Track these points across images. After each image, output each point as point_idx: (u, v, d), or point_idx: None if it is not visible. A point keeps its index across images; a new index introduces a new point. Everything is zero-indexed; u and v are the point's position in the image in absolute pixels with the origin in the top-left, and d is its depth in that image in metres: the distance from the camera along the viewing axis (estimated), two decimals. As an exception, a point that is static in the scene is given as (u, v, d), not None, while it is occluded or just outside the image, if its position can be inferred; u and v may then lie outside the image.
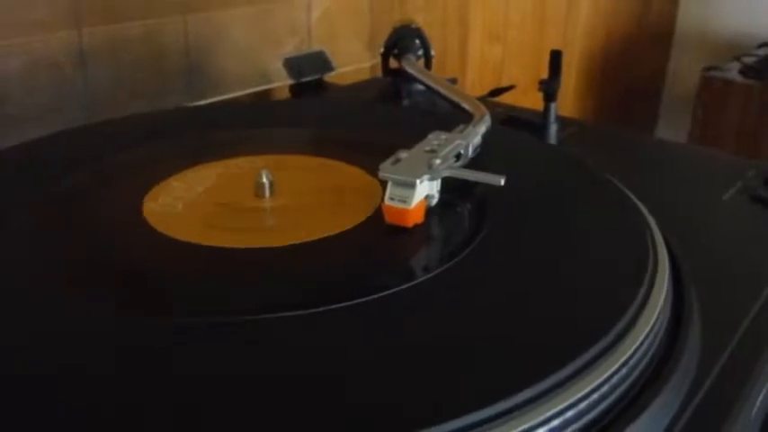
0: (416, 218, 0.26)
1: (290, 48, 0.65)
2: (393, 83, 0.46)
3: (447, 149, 0.27)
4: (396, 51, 0.46)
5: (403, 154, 0.26)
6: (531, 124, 0.41)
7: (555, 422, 0.18)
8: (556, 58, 0.40)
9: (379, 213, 0.27)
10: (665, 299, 0.24)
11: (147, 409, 0.17)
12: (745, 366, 0.24)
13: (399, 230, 0.26)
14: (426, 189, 0.26)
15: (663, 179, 0.38)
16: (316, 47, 0.68)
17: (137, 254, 0.25)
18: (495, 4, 0.97)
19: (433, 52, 0.46)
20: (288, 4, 0.68)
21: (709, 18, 1.29)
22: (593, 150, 0.42)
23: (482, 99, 0.49)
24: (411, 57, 0.44)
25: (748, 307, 0.26)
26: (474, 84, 1.00)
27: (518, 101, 1.17)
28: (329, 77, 0.58)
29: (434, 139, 0.28)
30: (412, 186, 0.25)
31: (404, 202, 0.25)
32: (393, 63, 0.47)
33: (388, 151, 0.27)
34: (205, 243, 0.25)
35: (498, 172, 0.29)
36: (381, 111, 0.31)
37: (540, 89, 0.41)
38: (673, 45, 1.36)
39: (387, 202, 0.25)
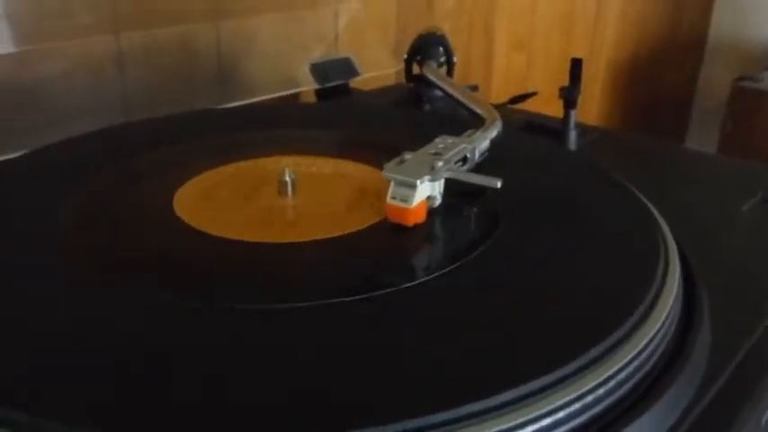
0: (417, 217, 0.26)
1: (318, 54, 0.67)
2: (415, 88, 0.47)
3: (451, 153, 0.28)
4: (419, 58, 0.47)
5: (408, 155, 0.27)
6: (550, 130, 0.42)
7: (560, 414, 0.19)
8: (577, 66, 0.41)
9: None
10: (674, 298, 0.24)
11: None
12: (757, 371, 0.24)
13: (416, 229, 0.27)
14: (428, 190, 0.27)
15: (681, 186, 0.38)
16: (342, 53, 0.69)
17: (169, 245, 0.27)
18: (521, 12, 0.98)
19: (455, 59, 0.47)
20: (316, 12, 0.70)
21: (743, 27, 1.27)
22: (612, 156, 0.42)
23: (502, 106, 0.50)
24: (432, 63, 0.45)
25: (762, 312, 0.27)
26: (499, 92, 1.00)
27: (542, 110, 1.17)
28: (354, 83, 0.60)
29: (441, 142, 0.29)
30: (413, 187, 0.26)
31: (405, 201, 0.26)
32: (417, 69, 0.48)
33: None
34: (231, 237, 0.26)
35: (513, 174, 0.30)
36: (400, 115, 0.32)
37: (560, 96, 0.41)
38: (705, 54, 1.34)
39: (389, 200, 0.26)
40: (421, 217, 0.27)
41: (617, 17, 1.15)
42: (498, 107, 0.50)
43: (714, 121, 1.12)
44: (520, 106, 0.51)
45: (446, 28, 0.89)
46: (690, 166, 0.42)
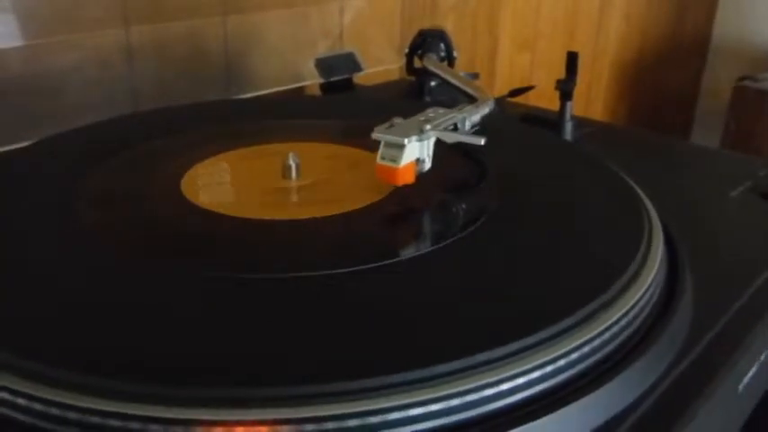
0: (406, 178, 0.28)
1: (323, 49, 0.69)
2: (416, 81, 0.48)
3: (441, 119, 0.29)
4: (420, 52, 0.48)
5: (398, 120, 0.29)
6: (547, 122, 0.43)
7: (547, 368, 0.20)
8: (572, 59, 0.42)
9: (392, 191, 0.29)
10: (657, 268, 0.25)
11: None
12: (733, 341, 0.25)
13: (409, 206, 0.28)
14: (416, 151, 0.28)
15: (673, 173, 0.39)
16: (347, 49, 0.71)
17: (175, 223, 0.28)
18: (525, 12, 0.99)
19: (456, 54, 0.48)
20: (321, 8, 0.71)
21: (747, 27, 1.28)
22: (607, 147, 0.43)
23: (502, 99, 0.51)
24: (433, 55, 0.46)
25: (741, 288, 0.28)
26: (502, 90, 1.01)
27: (544, 107, 1.17)
28: (358, 78, 0.61)
29: (431, 111, 0.30)
30: (401, 146, 0.27)
31: (393, 161, 0.27)
32: (418, 64, 0.49)
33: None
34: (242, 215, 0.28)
35: (509, 159, 0.31)
36: (400, 105, 0.33)
37: (556, 88, 0.42)
38: (709, 55, 1.35)
39: (378, 161, 0.27)
40: (410, 178, 0.28)
41: (621, 17, 1.16)
42: (498, 100, 0.52)
43: (718, 121, 1.12)
44: (519, 100, 0.52)
45: (450, 26, 0.90)
46: (682, 156, 0.43)
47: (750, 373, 0.26)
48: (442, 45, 0.47)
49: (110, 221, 0.28)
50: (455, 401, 0.19)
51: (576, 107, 1.30)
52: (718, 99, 1.21)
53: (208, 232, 0.27)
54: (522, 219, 0.28)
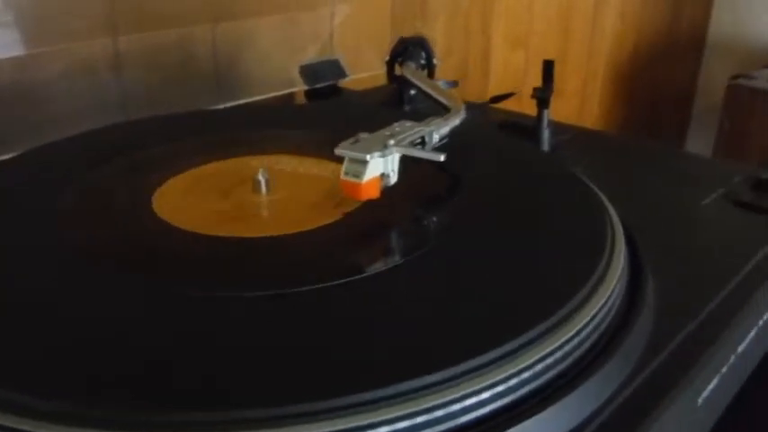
0: (370, 193, 0.28)
1: (313, 54, 0.69)
2: (396, 89, 0.48)
3: (407, 134, 0.30)
4: (400, 59, 0.48)
5: (363, 135, 0.29)
6: (525, 129, 0.43)
7: (500, 387, 0.21)
8: (548, 67, 0.42)
9: (360, 208, 0.29)
10: (616, 282, 0.26)
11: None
12: (693, 354, 0.25)
13: (379, 219, 0.29)
14: (380, 167, 0.28)
15: (646, 181, 0.39)
16: (338, 54, 0.71)
17: (141, 239, 0.28)
18: (518, 10, 0.99)
19: (436, 62, 0.48)
20: (312, 14, 0.72)
21: (743, 25, 1.27)
22: (584, 153, 0.43)
23: (484, 105, 0.52)
24: (411, 64, 0.46)
25: (705, 298, 0.28)
26: (496, 90, 1.01)
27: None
28: (347, 83, 0.61)
29: (398, 125, 0.31)
30: (364, 162, 0.27)
31: (357, 176, 0.27)
32: (399, 72, 0.49)
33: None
34: (208, 233, 0.28)
35: (479, 168, 0.31)
36: (382, 116, 0.33)
37: (532, 96, 0.43)
38: (705, 53, 1.35)
39: (342, 176, 0.28)
40: (374, 193, 0.28)
41: (616, 15, 1.15)
42: (480, 106, 0.52)
43: (714, 119, 1.12)
44: (502, 105, 0.53)
45: (441, 27, 0.91)
46: (659, 162, 0.43)
47: (711, 386, 0.26)
48: (423, 53, 0.48)
49: (76, 240, 0.28)
50: (403, 424, 0.20)
51: (571, 106, 1.31)
52: (715, 97, 1.21)
53: (182, 251, 0.28)
54: (483, 234, 0.29)
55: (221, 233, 0.28)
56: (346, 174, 0.28)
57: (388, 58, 0.49)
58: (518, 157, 0.37)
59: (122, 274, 0.26)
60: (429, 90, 0.41)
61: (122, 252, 0.27)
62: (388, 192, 0.29)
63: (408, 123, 0.31)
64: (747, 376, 0.30)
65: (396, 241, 0.29)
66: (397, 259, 0.27)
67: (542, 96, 0.42)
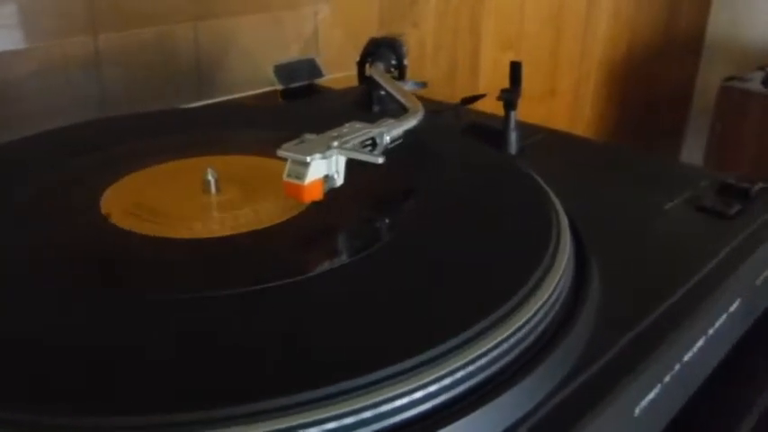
0: (312, 195, 0.28)
1: (296, 53, 0.69)
2: (365, 90, 0.48)
3: (354, 135, 0.29)
4: (370, 60, 0.48)
5: (309, 136, 0.29)
6: (492, 131, 0.43)
7: (446, 381, 0.21)
8: (516, 69, 0.42)
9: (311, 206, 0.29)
10: (558, 281, 0.25)
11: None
12: (630, 362, 0.25)
13: (328, 216, 0.29)
14: (324, 168, 0.28)
15: (609, 185, 0.39)
16: (323, 52, 0.71)
17: (87, 241, 0.28)
18: (508, 10, 0.98)
19: (406, 62, 0.48)
20: (296, 12, 0.72)
21: (741, 26, 1.26)
22: (549, 156, 0.43)
23: (455, 107, 0.51)
24: (380, 65, 0.46)
25: (651, 305, 0.28)
26: (486, 91, 1.01)
27: (533, 109, 1.17)
28: (329, 82, 0.61)
29: (348, 126, 0.30)
30: (305, 164, 0.27)
31: (299, 178, 0.27)
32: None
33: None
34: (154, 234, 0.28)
35: (432, 169, 0.31)
36: (346, 116, 0.33)
37: (499, 98, 0.42)
38: (703, 54, 1.34)
39: (285, 178, 0.28)
40: (317, 195, 0.28)
41: (610, 16, 1.15)
42: (453, 107, 0.52)
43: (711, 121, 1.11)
44: (476, 106, 0.52)
45: (429, 28, 0.90)
46: (627, 166, 0.42)
47: (651, 396, 0.26)
48: (393, 54, 0.47)
49: (23, 246, 0.28)
50: (331, 425, 0.19)
51: (562, 106, 1.29)
52: (712, 99, 1.20)
53: (125, 253, 0.27)
54: (425, 235, 0.29)
55: (145, 231, 0.28)
56: (289, 175, 0.27)
57: (358, 58, 0.48)
58: (473, 159, 0.37)
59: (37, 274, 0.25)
60: (391, 90, 0.40)
61: (69, 257, 0.27)
62: (333, 193, 0.29)
63: (359, 125, 0.31)
64: (696, 388, 0.30)
65: (336, 243, 0.29)
66: (335, 262, 0.27)
67: (509, 98, 0.42)
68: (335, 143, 0.28)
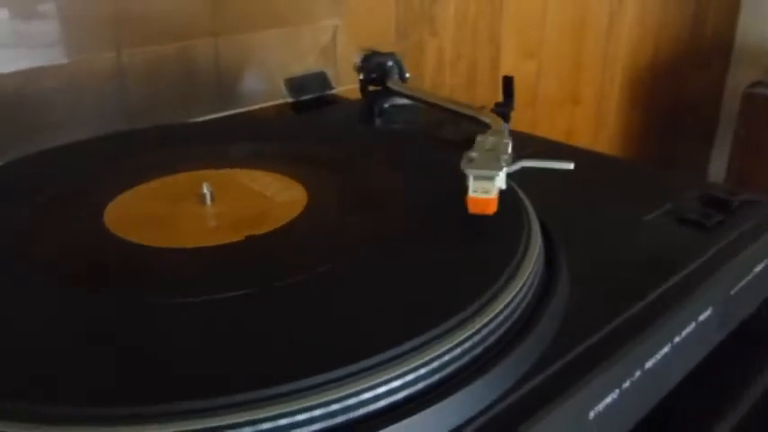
0: (496, 206, 0.30)
1: (314, 66, 0.71)
2: (367, 103, 0.50)
3: (505, 148, 0.32)
4: (374, 75, 0.50)
5: (473, 154, 0.31)
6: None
7: (409, 377, 0.22)
8: (508, 83, 0.43)
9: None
10: (522, 286, 0.27)
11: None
12: (590, 365, 0.26)
13: (300, 228, 0.31)
14: (502, 182, 0.31)
15: (592, 195, 0.39)
16: (340, 64, 0.73)
17: (90, 249, 0.31)
18: (529, 19, 0.99)
19: (408, 75, 0.50)
20: (314, 26, 0.74)
21: (772, 31, 1.24)
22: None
23: (453, 120, 0.53)
24: (395, 78, 0.48)
25: (613, 313, 0.28)
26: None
27: (553, 114, 1.16)
28: (346, 93, 0.64)
29: (484, 140, 0.33)
30: (491, 179, 0.30)
31: (486, 192, 0.30)
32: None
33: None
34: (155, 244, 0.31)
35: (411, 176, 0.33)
36: (349, 132, 0.35)
37: (492, 111, 0.44)
38: (732, 59, 1.31)
39: (471, 194, 0.30)
40: (496, 206, 0.30)
41: (634, 23, 1.14)
42: (452, 120, 0.53)
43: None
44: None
45: (448, 37, 0.92)
46: (611, 175, 0.43)
47: (607, 401, 0.27)
48: (394, 67, 0.49)
49: (30, 257, 0.30)
50: (283, 421, 0.21)
51: (586, 112, 1.29)
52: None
53: (126, 261, 0.30)
54: (399, 240, 0.30)
55: (135, 239, 0.30)
56: (474, 191, 0.30)
57: (361, 75, 0.50)
58: (453, 167, 0.38)
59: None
60: (432, 100, 0.42)
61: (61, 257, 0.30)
62: (311, 205, 0.31)
63: (490, 137, 0.33)
64: (663, 397, 0.30)
65: (317, 249, 0.31)
66: (317, 266, 0.28)
67: (502, 111, 0.44)
68: (506, 156, 0.31)
